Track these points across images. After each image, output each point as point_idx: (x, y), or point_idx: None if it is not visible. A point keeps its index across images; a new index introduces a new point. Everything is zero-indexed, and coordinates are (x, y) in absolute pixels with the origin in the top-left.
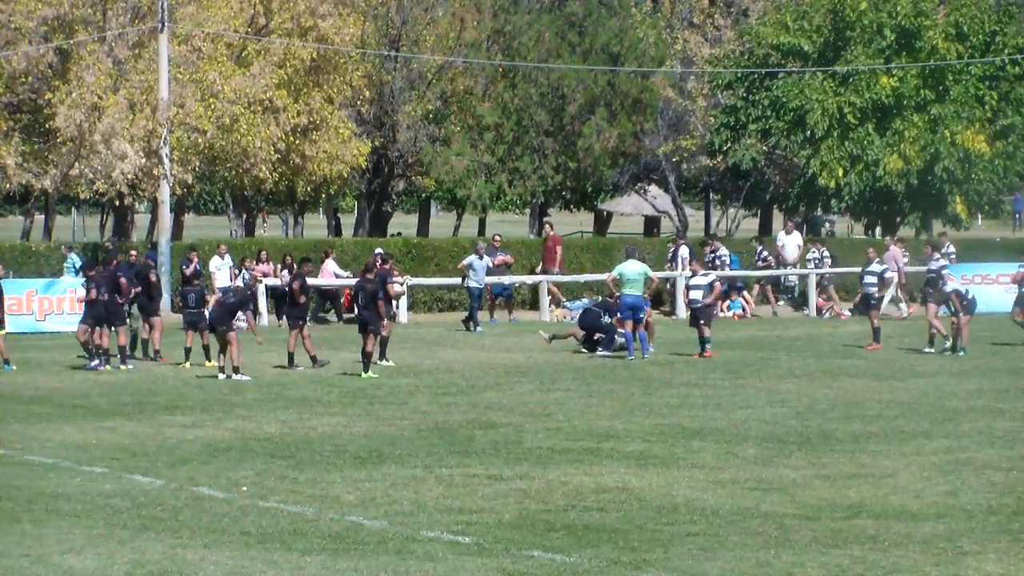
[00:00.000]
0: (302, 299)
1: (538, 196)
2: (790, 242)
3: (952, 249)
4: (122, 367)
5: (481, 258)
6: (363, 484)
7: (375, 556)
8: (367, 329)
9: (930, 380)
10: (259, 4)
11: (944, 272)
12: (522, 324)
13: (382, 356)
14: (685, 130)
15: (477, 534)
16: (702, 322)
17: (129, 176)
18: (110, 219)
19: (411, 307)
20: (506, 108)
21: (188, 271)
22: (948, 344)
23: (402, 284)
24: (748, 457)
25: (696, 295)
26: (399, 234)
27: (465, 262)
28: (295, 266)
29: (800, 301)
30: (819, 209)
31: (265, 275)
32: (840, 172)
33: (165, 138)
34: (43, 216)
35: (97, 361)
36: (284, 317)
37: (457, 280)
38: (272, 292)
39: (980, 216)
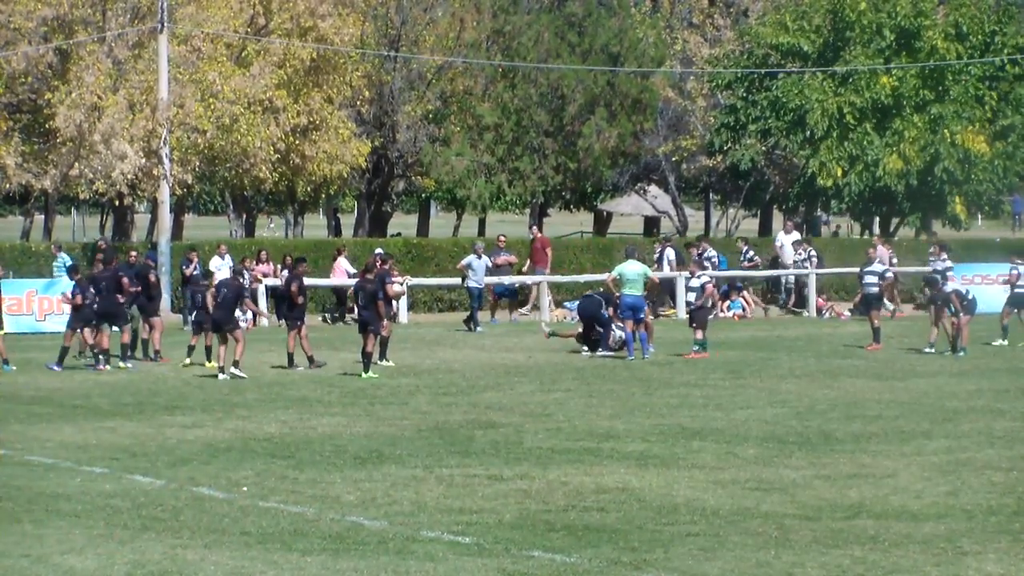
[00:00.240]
0: (300, 300)
1: (538, 196)
2: (789, 242)
3: None
4: (122, 365)
5: (480, 258)
6: (363, 484)
7: (375, 556)
8: (367, 329)
9: (930, 380)
10: (259, 4)
11: (950, 273)
12: (522, 324)
13: (382, 356)
14: (685, 130)
15: (477, 534)
16: (694, 324)
17: (129, 176)
18: (110, 219)
19: (411, 307)
20: (506, 108)
21: (188, 271)
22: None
23: (402, 284)
24: (748, 457)
25: (690, 297)
26: (399, 234)
27: (464, 262)
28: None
29: (795, 302)
30: (819, 209)
31: (265, 275)
32: (839, 172)
33: (165, 138)
34: (43, 216)
35: (85, 362)
36: (283, 318)
37: (457, 280)
38: (272, 292)
39: (980, 216)
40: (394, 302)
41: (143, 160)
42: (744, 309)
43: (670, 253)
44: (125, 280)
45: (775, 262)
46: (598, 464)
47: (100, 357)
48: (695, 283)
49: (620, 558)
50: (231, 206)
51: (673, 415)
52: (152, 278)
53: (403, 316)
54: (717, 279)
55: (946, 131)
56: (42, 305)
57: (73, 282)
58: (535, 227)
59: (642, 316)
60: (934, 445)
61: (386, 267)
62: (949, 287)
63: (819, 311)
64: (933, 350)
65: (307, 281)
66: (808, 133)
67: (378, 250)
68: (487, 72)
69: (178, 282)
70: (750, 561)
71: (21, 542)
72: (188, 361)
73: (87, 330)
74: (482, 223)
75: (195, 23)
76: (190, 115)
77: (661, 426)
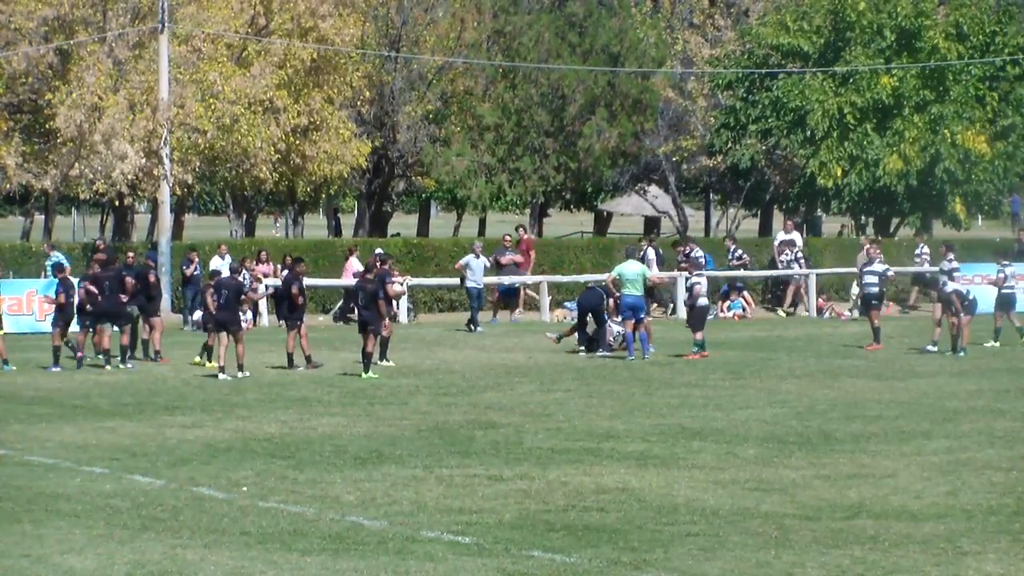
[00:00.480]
0: (300, 300)
1: (538, 196)
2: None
3: (926, 250)
4: (121, 366)
5: (478, 258)
6: (363, 484)
7: (375, 556)
8: (367, 329)
9: (930, 380)
10: (259, 4)
11: (956, 274)
12: (522, 324)
13: (382, 356)
14: (685, 130)
15: (477, 534)
16: (687, 325)
17: (129, 176)
18: (110, 219)
19: (412, 308)
20: (506, 108)
21: (189, 271)
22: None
23: (402, 284)
24: (748, 457)
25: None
26: (398, 234)
27: (462, 262)
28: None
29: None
30: (819, 209)
31: (265, 275)
32: (839, 172)
33: (165, 138)
34: (43, 216)
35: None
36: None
37: (457, 280)
38: (273, 292)
39: (980, 217)
40: (394, 302)
41: (143, 160)
42: (744, 309)
43: (651, 253)
44: (129, 281)
45: (775, 262)
46: (598, 464)
47: (100, 357)
48: (691, 283)
49: (620, 558)
50: (231, 206)
51: (673, 415)
52: (152, 278)
53: (403, 316)
54: (718, 279)
55: (946, 131)
56: (42, 305)
57: (57, 281)
58: (521, 228)
59: (642, 316)
60: (934, 445)
61: (386, 267)
62: (949, 287)
63: (819, 311)
64: (936, 348)
65: (320, 281)
66: (808, 133)
67: (378, 250)
68: (488, 72)
69: (178, 282)
70: (750, 561)
71: (21, 542)
72: (199, 360)
73: (59, 330)
74: (482, 223)
75: (196, 23)
76: (190, 115)
77: (661, 426)
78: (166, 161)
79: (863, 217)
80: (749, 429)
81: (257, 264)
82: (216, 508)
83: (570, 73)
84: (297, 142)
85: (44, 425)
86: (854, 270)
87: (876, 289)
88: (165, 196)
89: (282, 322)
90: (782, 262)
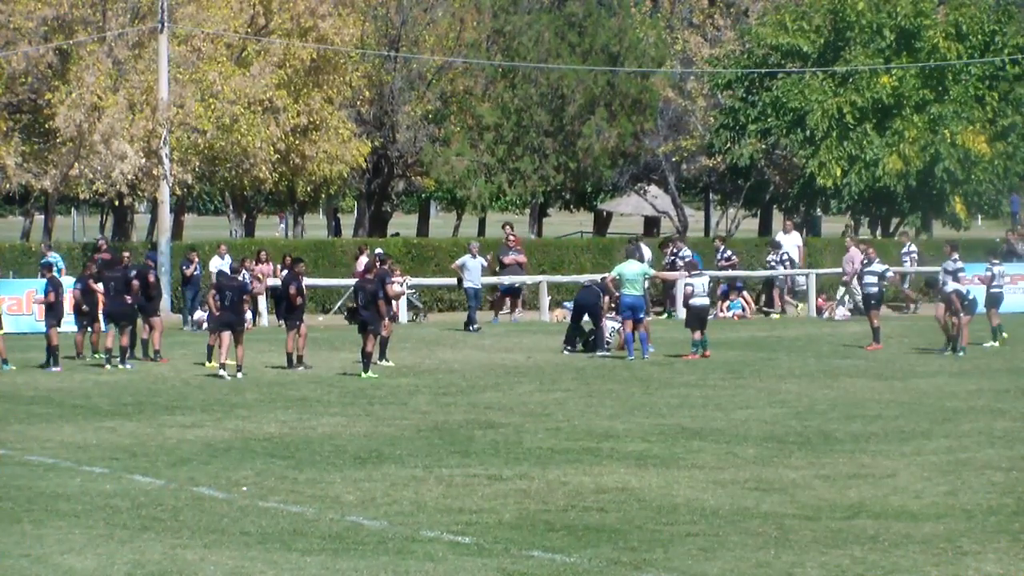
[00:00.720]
0: (299, 301)
1: (538, 196)
2: (788, 242)
3: (914, 249)
4: (121, 366)
5: (475, 257)
6: (363, 484)
7: (375, 556)
8: (367, 329)
9: (930, 380)
10: (259, 4)
11: (961, 274)
12: (522, 324)
13: (382, 356)
14: (685, 130)
15: (477, 534)
16: (686, 325)
17: (129, 176)
18: (110, 219)
19: (421, 307)
20: (506, 108)
21: (189, 271)
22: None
23: (402, 284)
24: (748, 457)
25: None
26: (397, 234)
27: (458, 262)
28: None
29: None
30: (818, 209)
31: (265, 275)
32: (839, 172)
33: (165, 138)
34: (43, 216)
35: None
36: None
37: (454, 281)
38: (272, 292)
39: (980, 217)
40: (394, 302)
41: (143, 160)
42: (744, 309)
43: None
44: (136, 282)
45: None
46: (598, 464)
47: (101, 356)
48: (686, 283)
49: (620, 558)
50: (231, 206)
51: (673, 415)
52: (152, 278)
53: (403, 316)
54: (717, 279)
55: (946, 131)
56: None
57: (46, 280)
58: (508, 226)
59: (642, 316)
60: (934, 445)
61: (386, 267)
62: (950, 287)
63: (819, 311)
64: (949, 351)
65: (320, 281)
66: (808, 133)
67: (378, 250)
68: (487, 72)
69: (178, 282)
70: (750, 561)
71: (21, 542)
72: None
73: (55, 329)
74: (482, 223)
75: (195, 23)
76: (190, 115)
77: (661, 426)
78: (166, 161)
79: (861, 217)
80: (749, 429)
81: (257, 264)
82: (216, 508)
83: (570, 73)
84: (297, 142)
85: (44, 425)
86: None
87: (876, 289)
88: (165, 196)
89: (282, 322)
90: (767, 263)
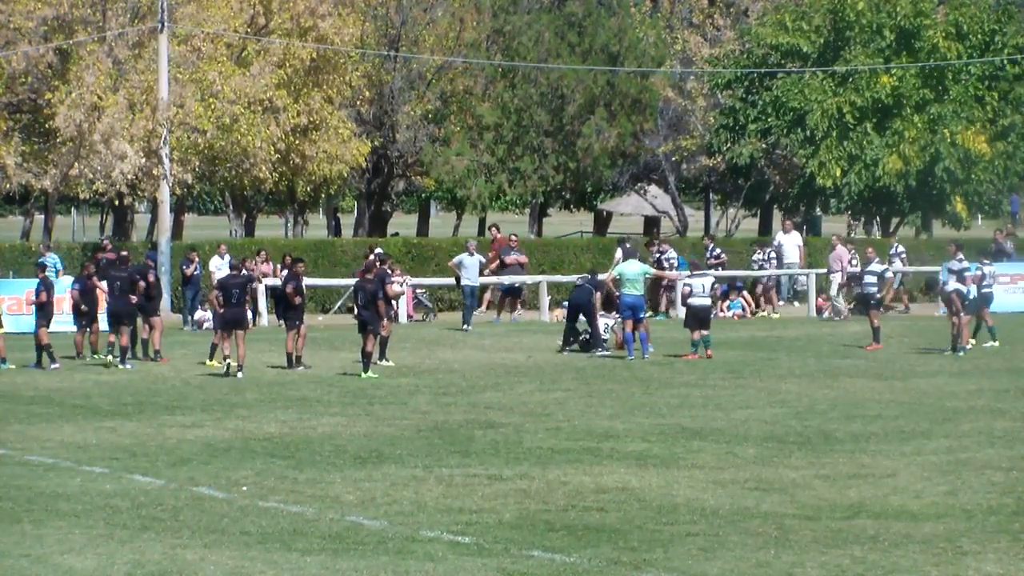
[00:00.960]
0: (298, 300)
1: (538, 196)
2: (788, 242)
3: (902, 249)
4: (121, 366)
5: (472, 255)
6: (363, 484)
7: (375, 556)
8: (367, 329)
9: (930, 380)
10: (259, 4)
11: (967, 274)
12: (522, 324)
13: (382, 356)
14: (685, 130)
15: (477, 534)
16: (685, 325)
17: (129, 176)
18: (110, 219)
19: (431, 307)
20: (506, 108)
21: (189, 271)
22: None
23: (401, 284)
24: (748, 457)
25: (693, 299)
26: (397, 234)
27: (455, 260)
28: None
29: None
30: (818, 209)
31: (265, 275)
32: (838, 172)
33: (165, 138)
34: (43, 216)
35: (57, 364)
36: (282, 318)
37: (452, 280)
38: (272, 292)
39: (980, 216)
40: (394, 302)
41: (143, 160)
42: (744, 309)
43: (618, 253)
44: (141, 284)
45: (779, 261)
46: (598, 464)
47: (99, 356)
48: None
49: (620, 558)
50: (231, 206)
51: (673, 415)
52: (152, 278)
53: (403, 316)
54: (718, 279)
55: (946, 131)
56: None
57: (39, 280)
58: (494, 227)
59: (641, 316)
60: (934, 445)
61: (385, 267)
62: (950, 287)
63: (819, 311)
64: (969, 348)
65: (320, 281)
66: (808, 133)
67: (377, 250)
68: (487, 72)
69: (178, 282)
70: (750, 561)
71: (21, 542)
72: (216, 364)
73: (44, 329)
74: (482, 223)
75: (195, 23)
76: (190, 115)
77: (661, 426)
78: (166, 161)
79: (862, 218)
80: (749, 429)
81: (256, 258)
82: (216, 508)
83: (569, 73)
84: (297, 142)
85: (44, 425)
86: (853, 270)
87: (875, 289)
88: (165, 196)
89: (282, 322)
90: (754, 262)
